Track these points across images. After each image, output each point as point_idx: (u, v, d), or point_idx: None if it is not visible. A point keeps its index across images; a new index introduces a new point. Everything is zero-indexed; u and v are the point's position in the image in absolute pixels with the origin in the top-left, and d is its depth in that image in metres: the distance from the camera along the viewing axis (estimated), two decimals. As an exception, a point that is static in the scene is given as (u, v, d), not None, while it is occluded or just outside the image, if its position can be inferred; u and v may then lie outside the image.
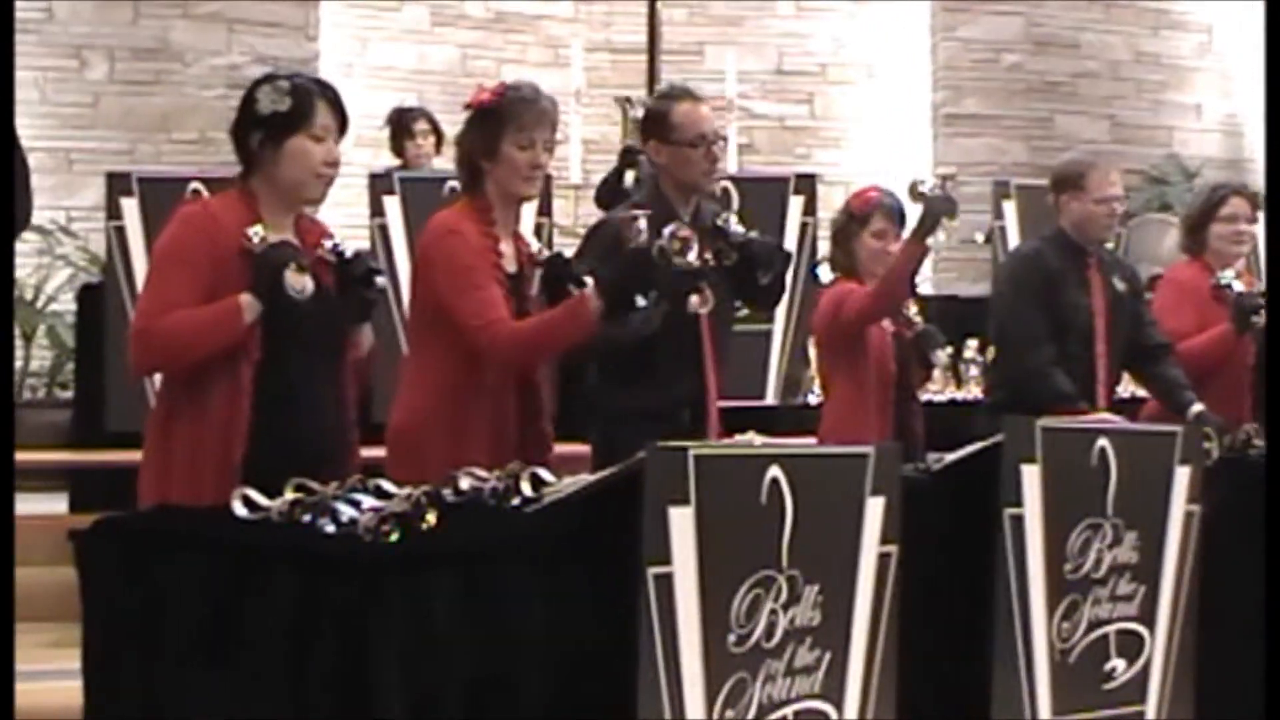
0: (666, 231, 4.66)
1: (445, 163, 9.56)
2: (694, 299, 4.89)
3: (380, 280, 4.53)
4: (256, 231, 4.32)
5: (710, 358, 5.22)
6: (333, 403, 4.45)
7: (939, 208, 5.64)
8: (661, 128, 5.32)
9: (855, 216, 6.15)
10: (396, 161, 9.31)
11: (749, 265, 5.21)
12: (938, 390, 8.41)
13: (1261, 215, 6.83)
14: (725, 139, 5.36)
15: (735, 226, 5.24)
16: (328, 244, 4.49)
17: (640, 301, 4.60)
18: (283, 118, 4.38)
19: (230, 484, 4.15)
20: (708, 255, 4.99)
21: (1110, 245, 6.71)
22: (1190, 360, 6.31)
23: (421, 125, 9.41)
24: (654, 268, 4.61)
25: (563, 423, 5.09)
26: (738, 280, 5.22)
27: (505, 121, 4.76)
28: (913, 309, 6.36)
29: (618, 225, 5.07)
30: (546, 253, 4.95)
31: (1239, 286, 6.38)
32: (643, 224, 4.83)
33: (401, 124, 9.46)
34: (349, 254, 4.50)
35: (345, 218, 8.94)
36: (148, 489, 4.36)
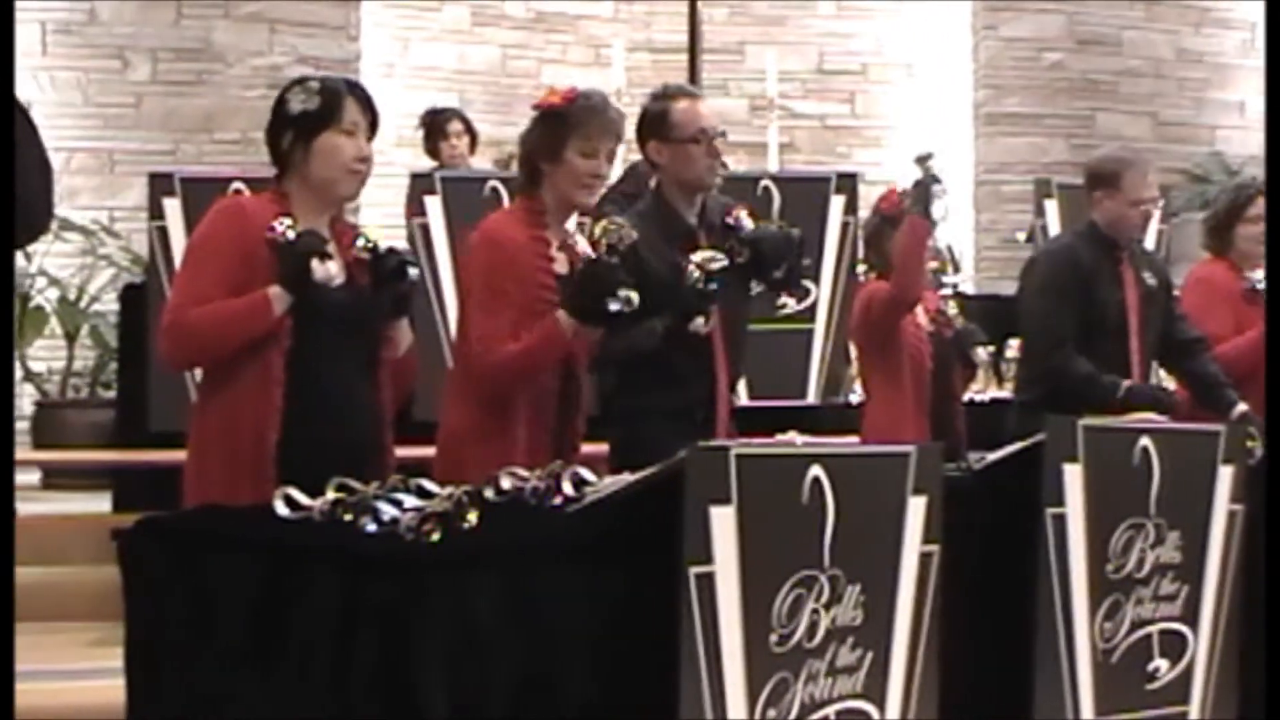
0: (599, 228, 4.69)
1: (480, 163, 9.59)
2: (699, 320, 4.92)
3: (413, 272, 4.54)
4: (283, 222, 4.34)
5: (721, 359, 5.19)
6: (366, 400, 4.46)
7: (926, 182, 5.96)
8: (661, 127, 5.25)
9: (886, 218, 6.20)
10: (432, 163, 9.31)
11: (760, 261, 5.19)
12: (980, 389, 8.39)
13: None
14: (725, 134, 5.31)
15: (746, 222, 5.22)
16: (360, 241, 4.51)
17: (613, 306, 4.59)
18: (312, 115, 4.42)
19: (266, 472, 4.20)
20: (719, 258, 4.99)
21: (1152, 243, 6.68)
22: (1226, 364, 6.29)
23: (455, 126, 9.40)
24: (608, 268, 4.64)
25: (598, 423, 5.10)
26: (750, 275, 5.21)
27: (571, 128, 4.76)
28: (952, 308, 6.37)
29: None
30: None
31: None
32: (579, 236, 4.82)
33: (435, 125, 9.44)
34: (381, 249, 4.52)
35: (385, 217, 8.99)
36: (188, 479, 4.41)
